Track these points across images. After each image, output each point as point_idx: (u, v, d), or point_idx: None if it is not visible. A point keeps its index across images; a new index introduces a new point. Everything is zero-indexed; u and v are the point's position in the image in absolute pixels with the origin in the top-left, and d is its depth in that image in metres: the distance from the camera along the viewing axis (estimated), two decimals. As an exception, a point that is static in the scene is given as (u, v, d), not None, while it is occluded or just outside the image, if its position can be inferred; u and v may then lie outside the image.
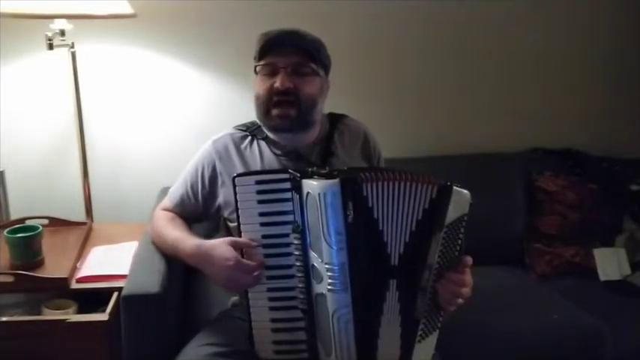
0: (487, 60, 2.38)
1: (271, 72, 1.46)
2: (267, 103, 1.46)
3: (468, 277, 1.32)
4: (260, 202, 1.33)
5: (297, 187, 1.28)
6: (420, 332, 1.30)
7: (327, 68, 1.53)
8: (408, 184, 1.24)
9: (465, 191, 1.26)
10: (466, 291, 1.31)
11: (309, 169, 1.30)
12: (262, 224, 1.34)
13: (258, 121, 1.55)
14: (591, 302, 1.95)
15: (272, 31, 1.46)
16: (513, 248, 2.22)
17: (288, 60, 1.45)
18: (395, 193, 1.24)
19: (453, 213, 1.25)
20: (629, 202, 2.24)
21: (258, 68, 1.49)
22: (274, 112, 1.46)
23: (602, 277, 2.11)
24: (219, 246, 1.36)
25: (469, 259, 1.31)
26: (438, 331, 1.34)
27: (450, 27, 2.31)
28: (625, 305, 1.97)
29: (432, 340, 1.33)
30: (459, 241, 1.29)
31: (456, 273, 1.29)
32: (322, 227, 1.22)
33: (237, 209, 1.34)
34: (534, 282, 2.13)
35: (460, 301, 1.31)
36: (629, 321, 1.87)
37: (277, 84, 1.44)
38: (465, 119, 2.41)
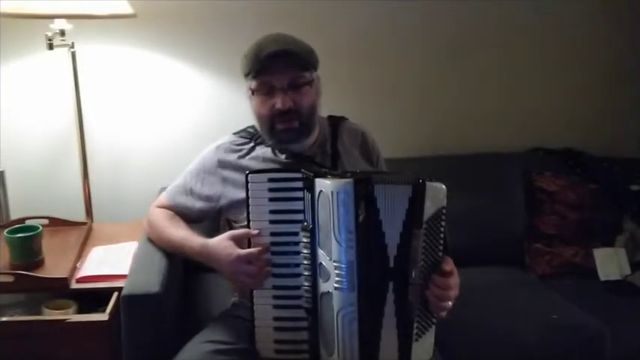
0: (487, 60, 2.38)
1: (268, 91, 1.46)
2: (271, 121, 1.48)
3: (453, 281, 1.31)
4: (271, 199, 1.34)
5: (310, 187, 1.29)
6: (415, 331, 1.30)
7: (317, 67, 1.53)
8: (397, 185, 1.26)
9: (440, 185, 1.27)
10: (453, 293, 1.31)
11: (322, 170, 1.32)
12: (272, 222, 1.35)
13: (261, 134, 1.55)
14: (591, 302, 1.94)
15: (261, 50, 1.44)
16: (513, 248, 2.21)
17: (283, 78, 1.44)
18: (393, 195, 1.26)
19: (430, 208, 1.26)
20: (629, 202, 2.24)
21: (253, 87, 1.48)
22: (279, 126, 1.47)
23: (602, 277, 2.11)
24: (221, 242, 1.39)
25: (449, 264, 1.31)
26: (434, 327, 1.34)
27: (450, 27, 2.31)
28: (625, 305, 1.96)
29: (429, 338, 1.34)
30: (442, 235, 1.29)
31: (440, 277, 1.29)
32: (333, 225, 1.24)
33: (247, 206, 1.35)
34: (534, 282, 2.13)
35: (449, 304, 1.31)
36: (629, 321, 1.87)
37: (278, 105, 1.44)
38: (464, 119, 2.41)
